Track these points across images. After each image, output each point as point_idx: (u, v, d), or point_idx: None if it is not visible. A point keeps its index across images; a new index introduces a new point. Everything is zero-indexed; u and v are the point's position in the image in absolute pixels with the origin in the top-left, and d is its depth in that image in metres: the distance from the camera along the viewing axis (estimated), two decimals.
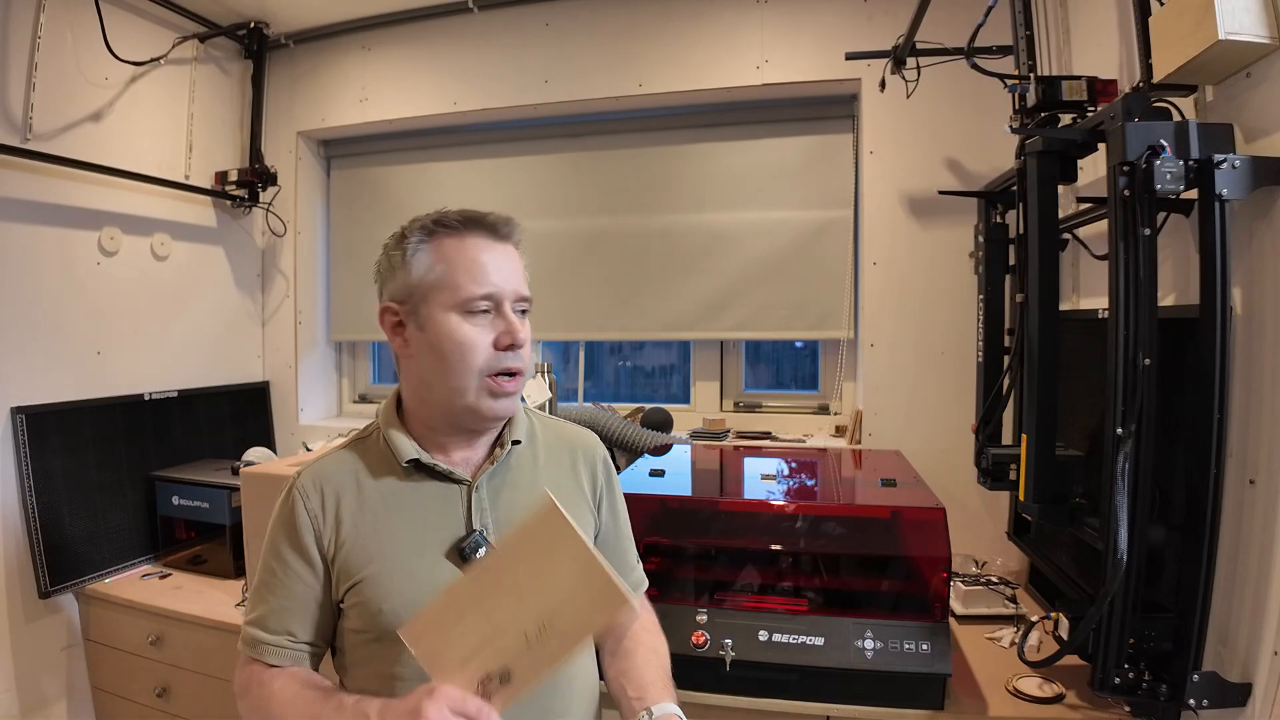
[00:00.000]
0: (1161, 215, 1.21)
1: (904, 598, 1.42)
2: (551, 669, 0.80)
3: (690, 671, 1.39)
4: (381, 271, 0.98)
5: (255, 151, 2.70)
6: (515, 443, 1.00)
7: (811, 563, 1.48)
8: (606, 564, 0.79)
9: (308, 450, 2.46)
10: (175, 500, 2.18)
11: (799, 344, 2.61)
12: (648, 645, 1.04)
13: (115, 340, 2.23)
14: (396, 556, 0.91)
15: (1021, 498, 1.41)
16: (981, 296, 1.79)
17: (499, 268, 0.93)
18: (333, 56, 2.71)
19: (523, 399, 1.04)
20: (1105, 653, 1.18)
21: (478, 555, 0.91)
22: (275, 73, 2.77)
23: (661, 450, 2.08)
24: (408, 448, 0.94)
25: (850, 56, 1.99)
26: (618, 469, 2.27)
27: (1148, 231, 1.14)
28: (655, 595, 1.47)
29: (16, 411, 1.92)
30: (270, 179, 2.65)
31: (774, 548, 1.43)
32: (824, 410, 2.47)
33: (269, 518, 0.96)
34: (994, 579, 1.83)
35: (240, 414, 2.67)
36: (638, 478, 1.77)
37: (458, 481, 0.95)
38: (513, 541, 0.83)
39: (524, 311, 0.96)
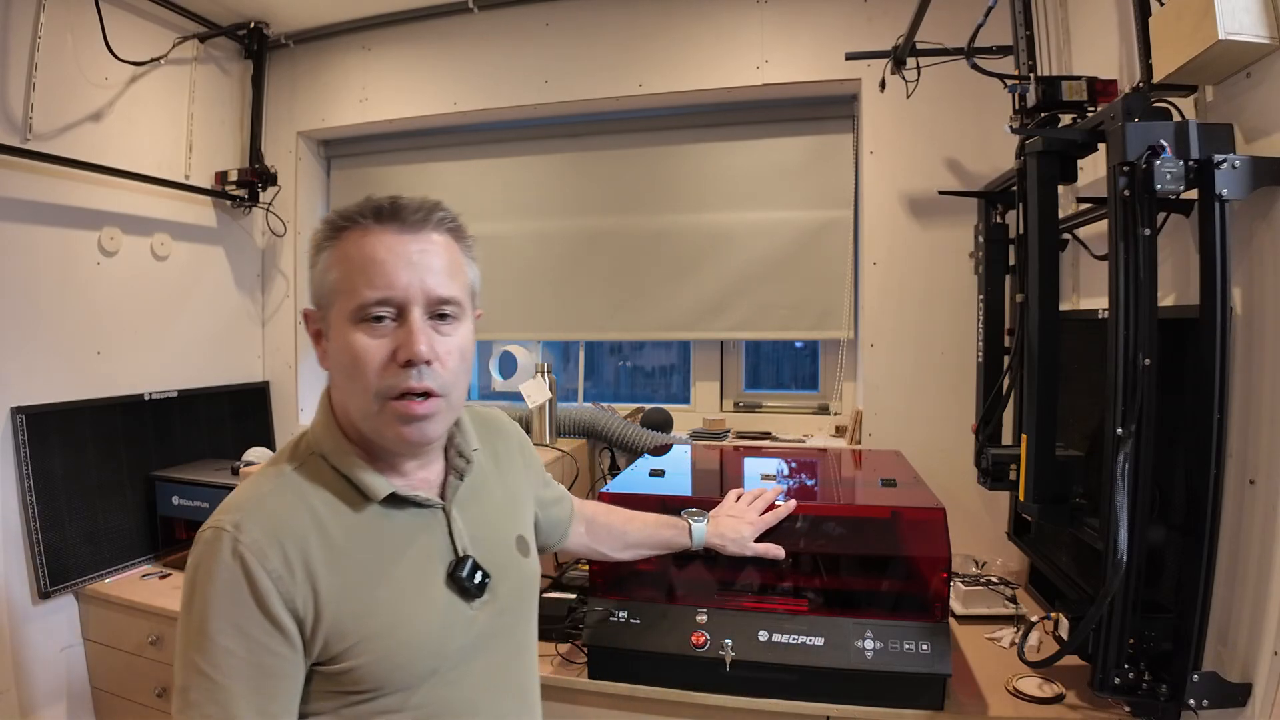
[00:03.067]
0: (1161, 215, 1.21)
1: (904, 598, 1.42)
2: None
3: (690, 671, 1.40)
4: None
5: (255, 151, 2.70)
6: (474, 450, 0.94)
7: (811, 563, 1.47)
8: None
9: None
10: (175, 500, 2.18)
11: (799, 344, 2.61)
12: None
13: (115, 340, 2.23)
14: (395, 604, 0.80)
15: (1021, 498, 1.41)
16: (981, 296, 1.79)
17: (408, 265, 0.78)
18: (333, 56, 2.71)
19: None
20: (1105, 653, 1.18)
21: (475, 581, 0.85)
22: (275, 73, 2.77)
23: (661, 450, 2.08)
24: (379, 483, 0.82)
25: (850, 57, 1.99)
26: (618, 469, 2.29)
27: (1148, 231, 1.13)
28: (655, 596, 1.48)
29: (16, 411, 1.92)
30: (270, 179, 2.65)
31: None
32: (824, 410, 2.47)
33: None
34: (994, 579, 1.83)
35: (240, 414, 2.66)
36: (638, 478, 1.76)
37: (431, 506, 0.87)
38: None
39: (445, 315, 0.82)
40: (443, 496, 0.90)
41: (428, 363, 0.79)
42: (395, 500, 0.83)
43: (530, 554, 0.99)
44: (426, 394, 0.80)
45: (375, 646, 0.77)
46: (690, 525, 1.32)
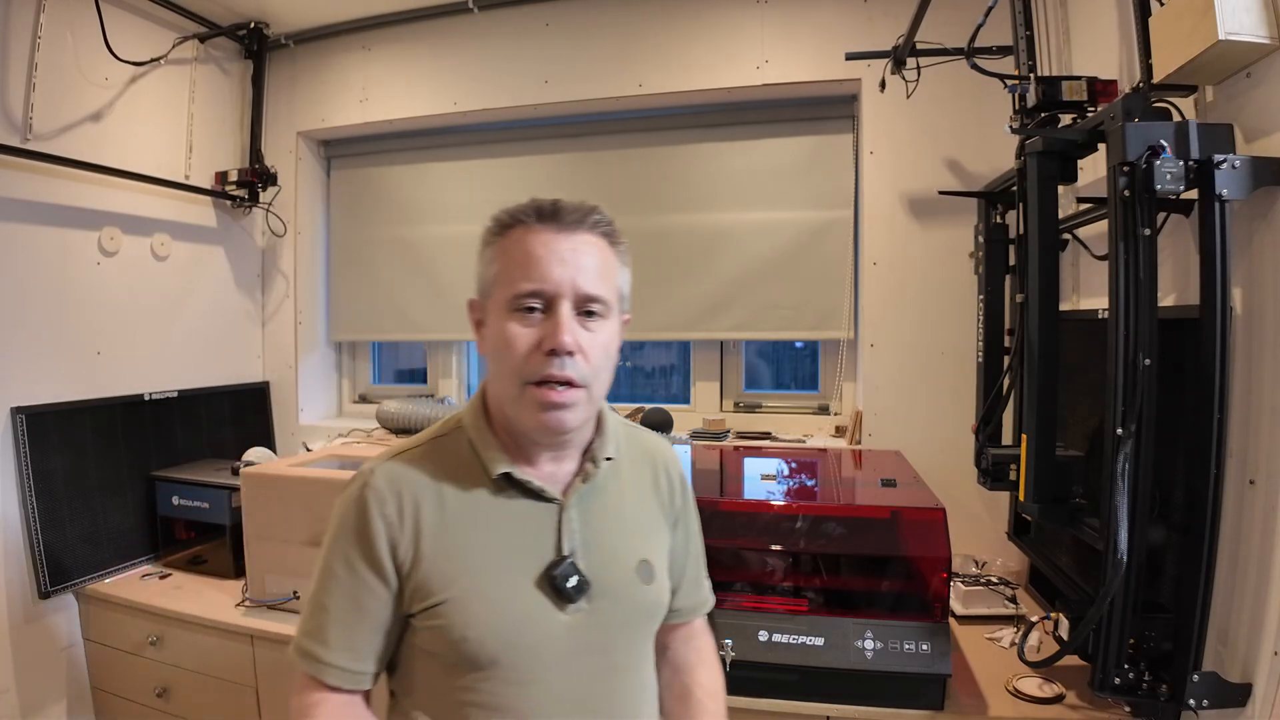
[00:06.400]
0: (1161, 215, 1.21)
1: (904, 598, 1.42)
2: None
3: None
4: None
5: (255, 151, 2.70)
6: (608, 459, 0.92)
7: (811, 563, 1.48)
8: None
9: (307, 450, 2.46)
10: (175, 500, 2.18)
11: (799, 344, 2.61)
12: (705, 688, 1.01)
13: (115, 340, 2.23)
14: (482, 579, 0.83)
15: (1021, 498, 1.41)
16: (981, 296, 1.79)
17: (560, 261, 0.82)
18: (333, 56, 2.71)
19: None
20: (1105, 653, 1.18)
21: (569, 585, 0.84)
22: (275, 73, 2.77)
23: None
24: (499, 460, 0.86)
25: (850, 57, 1.99)
26: None
27: (1148, 231, 1.14)
28: None
29: (16, 411, 1.92)
30: (270, 179, 2.65)
31: (774, 548, 1.43)
32: (824, 410, 2.47)
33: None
34: (994, 579, 1.83)
35: (240, 414, 2.67)
36: None
37: (548, 500, 0.88)
38: None
39: (591, 313, 0.85)
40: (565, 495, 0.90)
41: (570, 354, 0.82)
42: (512, 482, 0.87)
43: (655, 583, 0.92)
44: (568, 383, 0.82)
45: (448, 612, 0.81)
46: None
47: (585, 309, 0.84)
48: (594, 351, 0.84)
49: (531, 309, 0.83)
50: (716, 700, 1.01)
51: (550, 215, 0.85)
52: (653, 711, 0.95)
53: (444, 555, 0.83)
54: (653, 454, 1.01)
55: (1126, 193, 1.14)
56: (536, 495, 0.87)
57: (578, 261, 0.83)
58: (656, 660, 1.01)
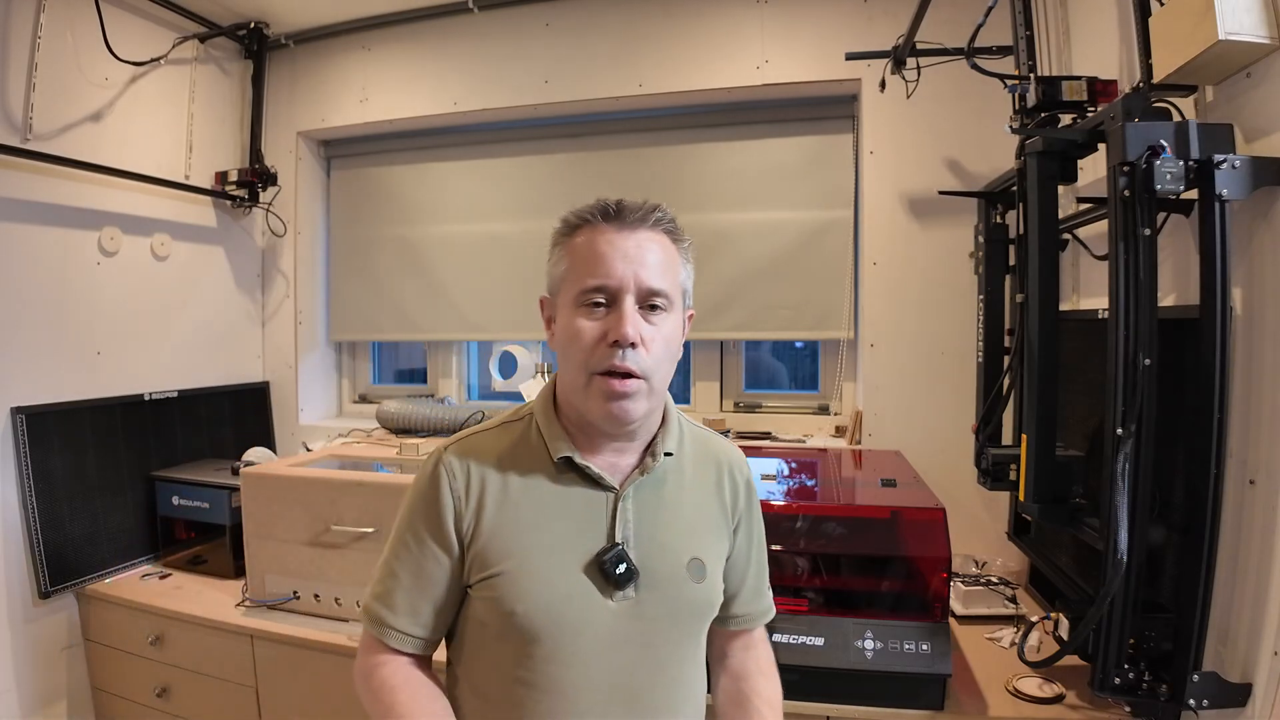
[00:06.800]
0: (1161, 215, 1.21)
1: (904, 598, 1.42)
2: None
3: None
4: None
5: (255, 151, 2.70)
6: (667, 454, 0.95)
7: (811, 563, 1.48)
8: None
9: (307, 450, 2.46)
10: (175, 500, 2.18)
11: (799, 344, 2.61)
12: (764, 697, 0.99)
13: (115, 340, 2.23)
14: (535, 557, 0.87)
15: (1021, 498, 1.42)
16: (981, 296, 1.79)
17: (623, 258, 0.87)
18: (333, 56, 2.71)
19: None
20: (1105, 653, 1.18)
21: (618, 571, 0.86)
22: (275, 73, 2.77)
23: None
24: (562, 444, 0.91)
25: (850, 57, 1.99)
26: None
27: (1148, 232, 1.14)
28: None
29: (16, 411, 1.92)
30: (270, 179, 2.65)
31: (774, 548, 1.43)
32: (824, 410, 2.47)
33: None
34: (994, 579, 1.83)
35: (240, 414, 2.67)
36: None
37: (605, 488, 0.91)
38: None
39: (654, 306, 0.88)
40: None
41: (633, 345, 0.85)
42: (573, 467, 0.91)
43: (705, 582, 0.93)
44: (629, 374, 0.86)
45: (501, 585, 0.86)
46: None
47: (648, 303, 0.88)
48: (655, 344, 0.88)
49: (597, 304, 0.87)
50: (775, 710, 0.99)
51: (614, 214, 0.89)
52: (693, 712, 0.95)
53: (503, 530, 0.88)
54: (719, 457, 1.03)
55: (1126, 193, 1.14)
56: (595, 483, 0.91)
57: (641, 257, 0.87)
58: (715, 667, 1.03)
